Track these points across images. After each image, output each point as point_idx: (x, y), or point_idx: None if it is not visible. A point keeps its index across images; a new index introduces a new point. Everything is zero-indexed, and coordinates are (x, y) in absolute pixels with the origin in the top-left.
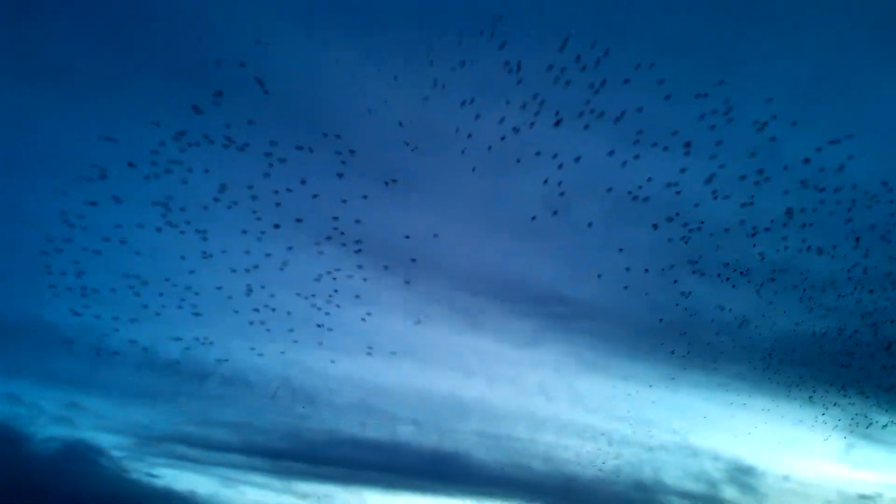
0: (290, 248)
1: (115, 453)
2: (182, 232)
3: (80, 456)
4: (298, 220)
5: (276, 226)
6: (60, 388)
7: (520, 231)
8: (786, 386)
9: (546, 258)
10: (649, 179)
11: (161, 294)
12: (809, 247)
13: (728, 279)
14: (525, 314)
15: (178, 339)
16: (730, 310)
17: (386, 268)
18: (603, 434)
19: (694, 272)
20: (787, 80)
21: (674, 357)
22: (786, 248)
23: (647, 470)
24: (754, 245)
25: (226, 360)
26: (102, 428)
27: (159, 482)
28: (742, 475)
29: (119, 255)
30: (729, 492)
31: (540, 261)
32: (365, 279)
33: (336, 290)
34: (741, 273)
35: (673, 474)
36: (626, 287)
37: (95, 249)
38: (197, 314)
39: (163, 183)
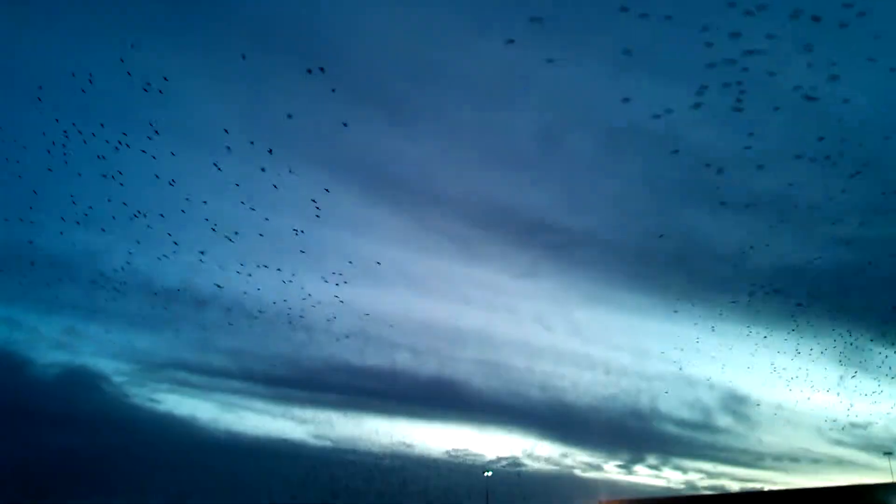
0: (290, 171)
1: (117, 379)
2: (173, 154)
3: (82, 381)
4: (296, 149)
5: (270, 151)
6: (59, 314)
7: (515, 161)
8: (782, 316)
9: (542, 188)
10: (655, 114)
11: (161, 221)
12: (808, 178)
13: (727, 210)
14: (522, 244)
15: (178, 266)
16: (728, 240)
17: (382, 197)
18: (600, 363)
19: (692, 202)
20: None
21: (671, 287)
22: (785, 180)
23: (643, 399)
24: (753, 176)
25: (222, 287)
26: (103, 354)
27: (161, 407)
28: (737, 404)
29: (115, 182)
30: (723, 420)
31: (536, 191)
32: (362, 208)
33: (332, 218)
34: (739, 203)
35: (669, 403)
36: (622, 217)
37: (92, 175)
38: (196, 241)
39: (159, 108)
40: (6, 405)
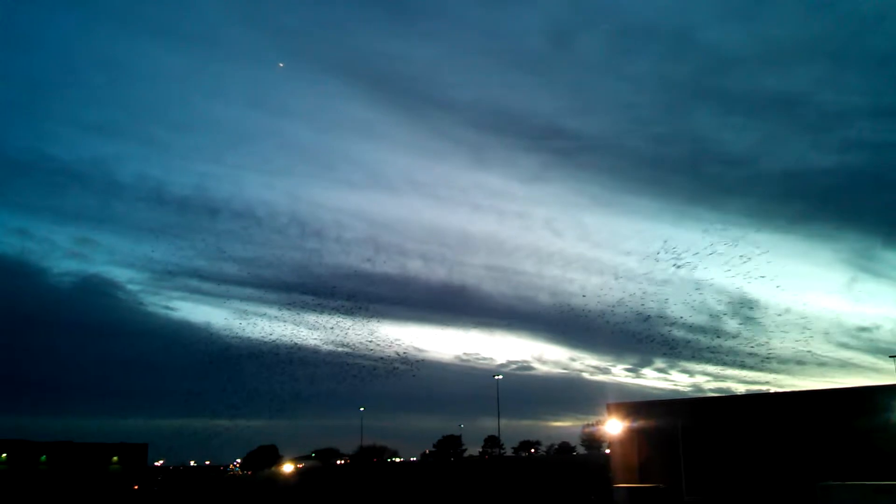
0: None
1: (131, 287)
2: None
3: (97, 289)
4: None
5: (280, 65)
6: (72, 223)
7: (524, 63)
8: (790, 220)
9: (552, 92)
10: (668, 7)
11: (173, 128)
12: (821, 79)
13: (737, 112)
14: (530, 149)
15: (190, 175)
16: (738, 143)
17: (389, 103)
18: (609, 268)
19: (702, 104)
20: None
21: (680, 192)
22: (797, 81)
23: (651, 303)
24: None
25: (235, 195)
26: (117, 262)
27: (176, 314)
28: (744, 308)
29: (126, 87)
30: (731, 324)
31: (545, 94)
32: (369, 114)
33: (343, 123)
34: (750, 105)
35: (676, 307)
36: (632, 121)
37: (101, 81)
38: (207, 148)
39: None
40: (23, 314)
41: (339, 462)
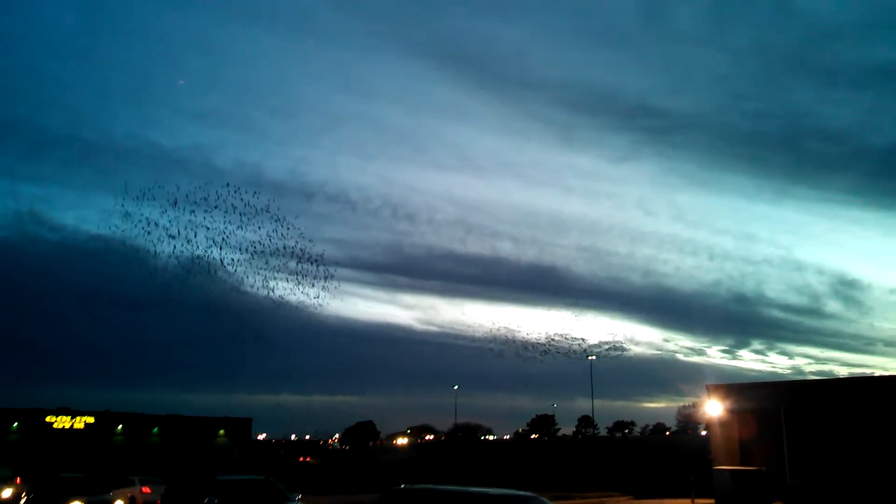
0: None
1: (232, 268)
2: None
3: (200, 271)
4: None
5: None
6: (175, 207)
7: (615, 40)
8: None
9: (643, 68)
10: None
11: (269, 114)
12: None
13: (838, 85)
14: (622, 128)
15: (286, 160)
16: (839, 118)
17: (478, 84)
18: (704, 248)
19: (802, 77)
20: None
21: (778, 169)
22: None
23: (748, 283)
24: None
25: (331, 179)
26: (218, 244)
27: (274, 295)
28: (847, 288)
29: (223, 74)
30: (832, 305)
31: (636, 71)
32: (458, 96)
33: (432, 105)
34: (852, 78)
35: (775, 288)
36: (727, 97)
37: (201, 67)
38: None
39: None
40: (131, 296)
41: (427, 438)
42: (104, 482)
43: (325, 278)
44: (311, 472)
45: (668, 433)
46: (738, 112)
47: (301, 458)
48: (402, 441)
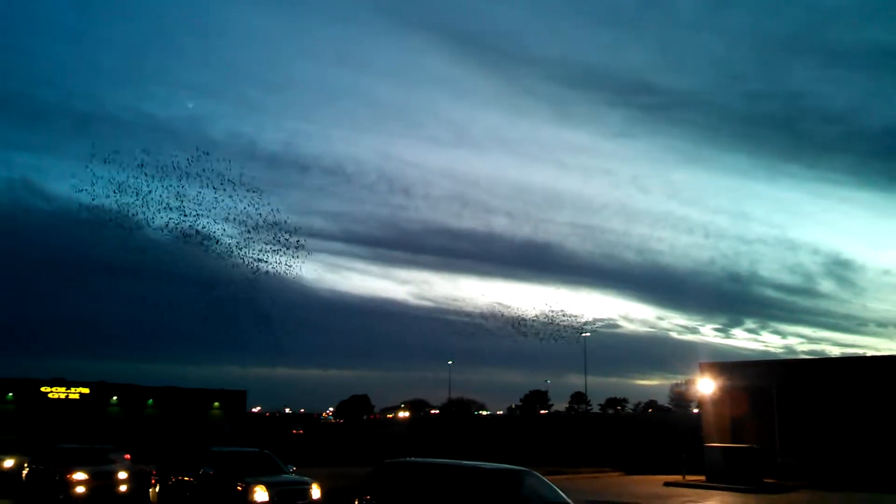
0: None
1: (225, 240)
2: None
3: (193, 242)
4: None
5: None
6: (169, 178)
7: (611, 17)
8: (892, 178)
9: (639, 46)
10: None
11: (262, 87)
12: None
13: (836, 66)
14: (618, 104)
15: (281, 132)
16: (836, 99)
17: (474, 59)
18: (699, 226)
19: (799, 58)
20: None
21: (774, 149)
22: None
23: (742, 262)
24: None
25: (325, 152)
26: (211, 216)
27: (267, 267)
28: (840, 268)
29: (217, 47)
30: (826, 285)
31: (633, 49)
32: (454, 70)
33: (428, 80)
34: (849, 59)
35: (769, 267)
36: (724, 76)
37: (194, 42)
38: (296, 105)
39: None
40: (126, 266)
41: (433, 413)
42: (106, 452)
43: (319, 252)
44: (304, 444)
45: (663, 410)
46: (735, 91)
47: (294, 431)
48: (403, 415)
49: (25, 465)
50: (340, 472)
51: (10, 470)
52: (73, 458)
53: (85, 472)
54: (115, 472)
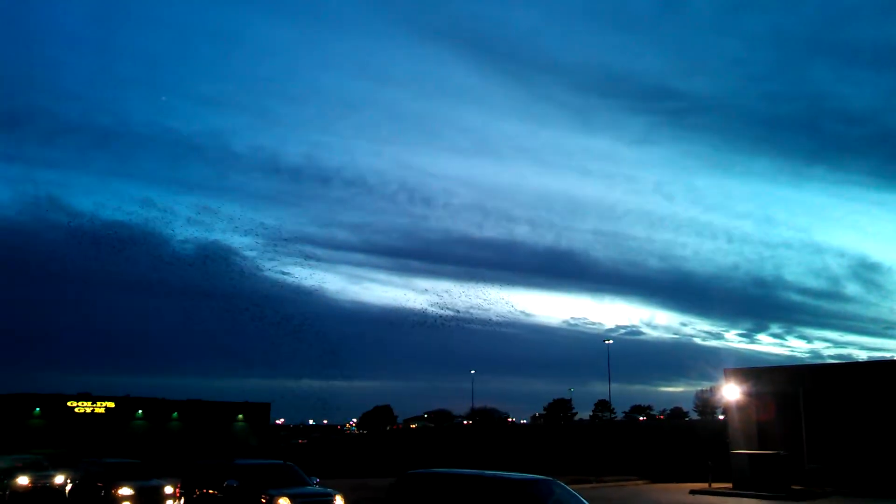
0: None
1: (248, 253)
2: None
3: (217, 255)
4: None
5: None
6: (192, 192)
7: (630, 22)
8: None
9: (659, 51)
10: None
11: (284, 100)
12: None
13: (859, 66)
14: (638, 110)
15: (302, 144)
16: (860, 99)
17: (493, 68)
18: (722, 231)
19: (821, 59)
20: None
21: (798, 151)
22: None
23: (767, 267)
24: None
25: (346, 164)
26: (234, 230)
27: (290, 279)
28: (867, 272)
29: (238, 60)
30: (852, 288)
31: (649, 54)
32: (473, 79)
33: (447, 89)
34: (873, 58)
35: (794, 271)
36: (745, 79)
37: (215, 55)
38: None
39: None
40: (151, 280)
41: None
42: (153, 468)
43: (341, 263)
44: (327, 455)
45: (686, 417)
46: (755, 94)
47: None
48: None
49: (68, 480)
50: (363, 483)
51: (61, 487)
52: (118, 472)
53: (131, 487)
54: (162, 487)
